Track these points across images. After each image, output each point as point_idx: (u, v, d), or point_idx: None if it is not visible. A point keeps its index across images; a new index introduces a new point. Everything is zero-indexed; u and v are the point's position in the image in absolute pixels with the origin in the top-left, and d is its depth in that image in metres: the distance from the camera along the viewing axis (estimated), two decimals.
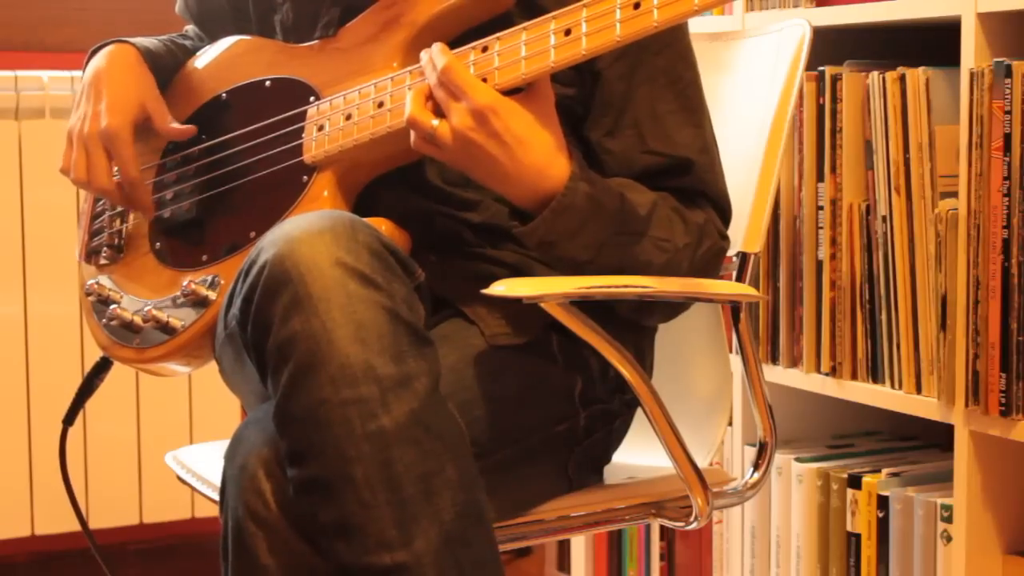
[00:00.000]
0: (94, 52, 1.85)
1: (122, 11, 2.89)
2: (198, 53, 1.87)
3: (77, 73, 2.63)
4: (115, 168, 1.76)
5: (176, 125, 1.79)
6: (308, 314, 1.39)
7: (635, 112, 1.65)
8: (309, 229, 1.42)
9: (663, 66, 1.66)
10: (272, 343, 1.41)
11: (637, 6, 1.46)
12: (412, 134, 1.53)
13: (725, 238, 1.69)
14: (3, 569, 2.85)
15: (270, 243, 1.43)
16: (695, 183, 1.67)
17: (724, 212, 1.71)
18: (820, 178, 2.16)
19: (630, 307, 1.68)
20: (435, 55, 1.52)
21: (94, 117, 1.76)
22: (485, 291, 1.51)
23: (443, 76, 1.51)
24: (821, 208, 2.15)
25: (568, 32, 1.49)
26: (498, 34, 1.54)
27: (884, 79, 2.03)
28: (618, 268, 1.60)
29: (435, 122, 1.51)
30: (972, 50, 1.90)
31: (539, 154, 1.53)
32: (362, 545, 1.37)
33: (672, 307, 1.71)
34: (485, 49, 1.54)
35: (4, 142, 2.71)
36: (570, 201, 1.55)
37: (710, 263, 1.68)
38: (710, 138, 1.70)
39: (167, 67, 1.86)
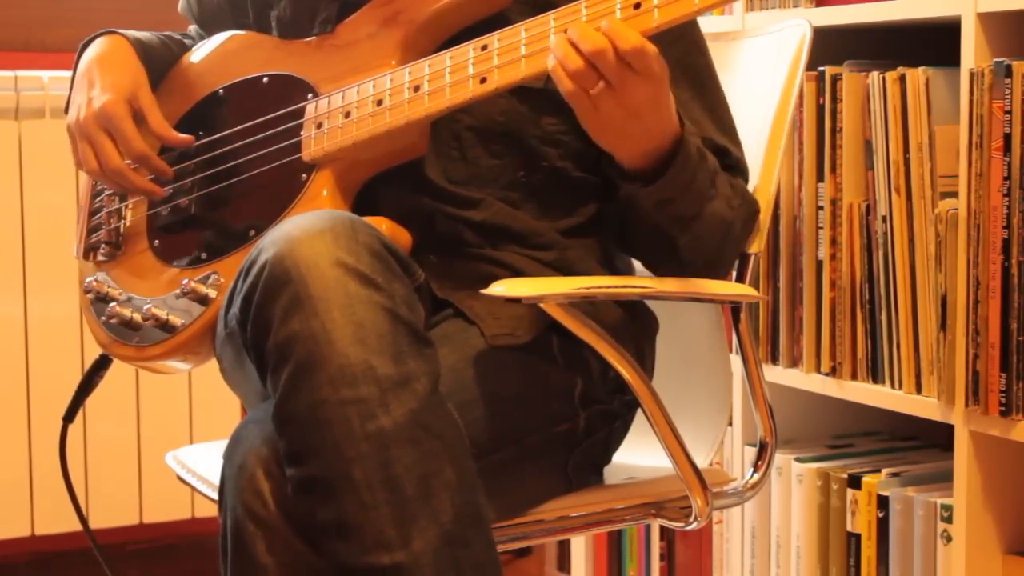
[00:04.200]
0: (86, 45, 1.85)
1: (123, 11, 2.89)
2: (193, 48, 1.87)
3: None
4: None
5: (173, 132, 1.77)
6: (308, 314, 1.39)
7: None
8: (309, 229, 1.42)
9: (677, 56, 1.67)
10: (272, 343, 1.41)
11: (637, 6, 1.46)
12: (566, 77, 1.47)
13: (757, 203, 1.73)
14: (3, 569, 2.85)
15: (270, 243, 1.43)
16: (731, 160, 1.70)
17: (748, 181, 1.75)
18: (820, 178, 2.15)
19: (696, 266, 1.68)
20: (620, 35, 1.45)
21: (88, 104, 1.76)
22: (484, 291, 1.51)
23: (633, 59, 1.46)
24: (821, 208, 2.15)
25: (567, 31, 1.49)
26: (497, 32, 1.54)
27: (884, 79, 2.03)
28: (708, 224, 1.62)
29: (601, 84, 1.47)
30: (972, 50, 1.90)
31: (664, 115, 1.53)
32: (361, 545, 1.37)
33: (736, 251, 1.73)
34: (484, 47, 1.54)
35: (4, 142, 2.71)
36: (688, 153, 1.56)
37: (752, 224, 1.73)
38: (727, 118, 1.73)
39: (161, 60, 1.85)
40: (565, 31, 1.48)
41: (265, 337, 1.41)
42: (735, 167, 1.71)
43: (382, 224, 1.57)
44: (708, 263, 1.68)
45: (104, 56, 1.80)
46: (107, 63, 1.79)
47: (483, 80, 1.53)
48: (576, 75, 1.47)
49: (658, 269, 1.71)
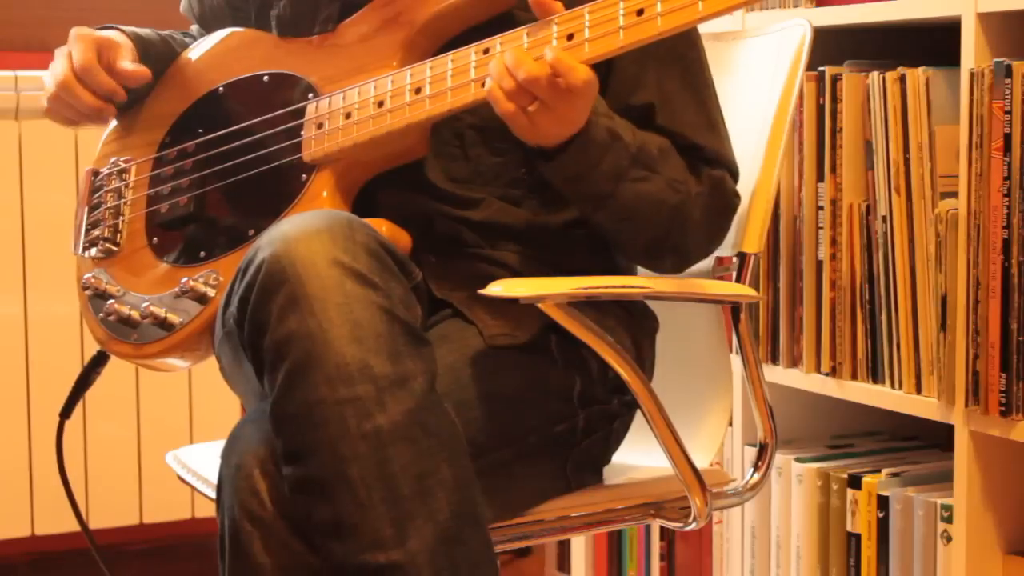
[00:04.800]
0: None
1: (123, 11, 2.88)
2: (191, 46, 1.87)
3: None
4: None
5: (131, 68, 1.77)
6: (305, 313, 1.39)
7: (645, 94, 1.66)
8: (306, 228, 1.42)
9: (669, 47, 1.66)
10: (268, 342, 1.41)
11: (640, 12, 1.46)
12: (503, 98, 1.50)
13: (738, 196, 1.72)
14: (3, 569, 2.85)
15: (267, 242, 1.43)
16: (708, 155, 1.69)
17: (735, 175, 1.73)
18: (820, 178, 2.15)
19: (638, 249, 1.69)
20: (563, 68, 1.48)
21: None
22: (482, 291, 1.51)
23: (567, 76, 1.48)
24: (821, 208, 2.15)
25: (571, 36, 1.49)
26: (500, 36, 1.54)
27: (884, 79, 2.03)
28: (634, 205, 1.61)
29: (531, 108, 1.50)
30: (972, 50, 1.90)
31: (582, 112, 1.54)
32: (357, 544, 1.37)
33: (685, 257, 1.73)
34: (487, 51, 1.54)
35: (4, 142, 2.71)
36: (592, 134, 1.55)
37: (723, 216, 1.71)
38: (714, 113, 1.72)
39: (160, 54, 1.85)
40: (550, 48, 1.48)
41: (262, 336, 1.41)
42: (714, 161, 1.70)
43: (382, 226, 1.57)
44: (654, 245, 1.67)
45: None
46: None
47: (484, 84, 1.53)
48: (512, 95, 1.49)
49: (617, 257, 1.73)
